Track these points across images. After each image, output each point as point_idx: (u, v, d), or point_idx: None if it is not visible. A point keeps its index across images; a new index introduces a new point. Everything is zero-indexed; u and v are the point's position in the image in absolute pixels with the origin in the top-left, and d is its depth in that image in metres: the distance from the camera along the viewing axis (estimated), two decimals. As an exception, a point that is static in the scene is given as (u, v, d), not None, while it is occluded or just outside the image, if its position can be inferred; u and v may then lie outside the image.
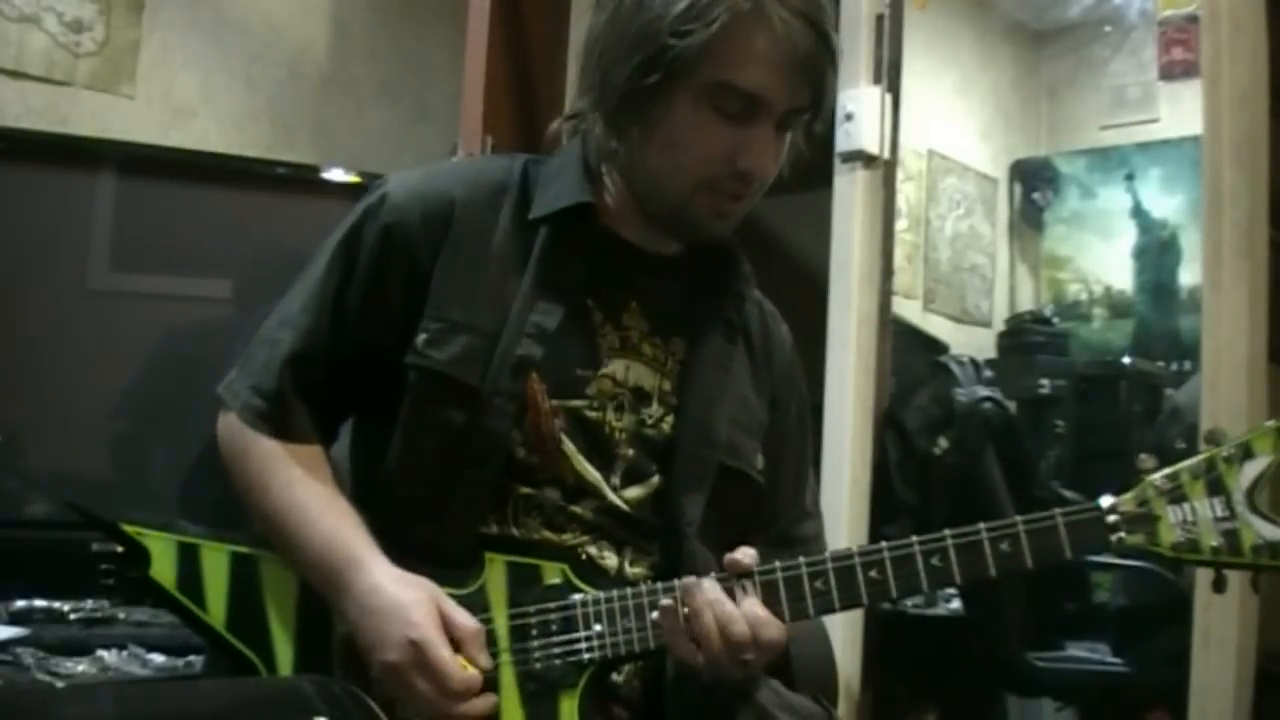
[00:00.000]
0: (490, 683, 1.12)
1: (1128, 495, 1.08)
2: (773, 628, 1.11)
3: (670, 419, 1.25)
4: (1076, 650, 2.76)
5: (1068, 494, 2.78)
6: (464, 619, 1.12)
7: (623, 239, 1.28)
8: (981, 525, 1.09)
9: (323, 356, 1.24)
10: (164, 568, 1.19)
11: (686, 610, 1.11)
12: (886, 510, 2.32)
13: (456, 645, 1.10)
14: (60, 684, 1.76)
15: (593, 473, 1.21)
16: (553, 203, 1.25)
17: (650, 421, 1.24)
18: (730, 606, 1.10)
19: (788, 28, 1.13)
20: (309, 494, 1.21)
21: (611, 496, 1.22)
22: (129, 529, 1.19)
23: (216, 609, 1.19)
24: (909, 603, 2.79)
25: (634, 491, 1.24)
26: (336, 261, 1.26)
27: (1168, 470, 1.08)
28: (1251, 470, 1.06)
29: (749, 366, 1.33)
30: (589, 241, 1.25)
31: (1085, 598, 2.91)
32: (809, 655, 1.56)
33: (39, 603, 2.02)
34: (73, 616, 2.01)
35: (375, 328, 1.23)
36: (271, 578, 1.21)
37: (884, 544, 1.11)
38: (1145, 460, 1.10)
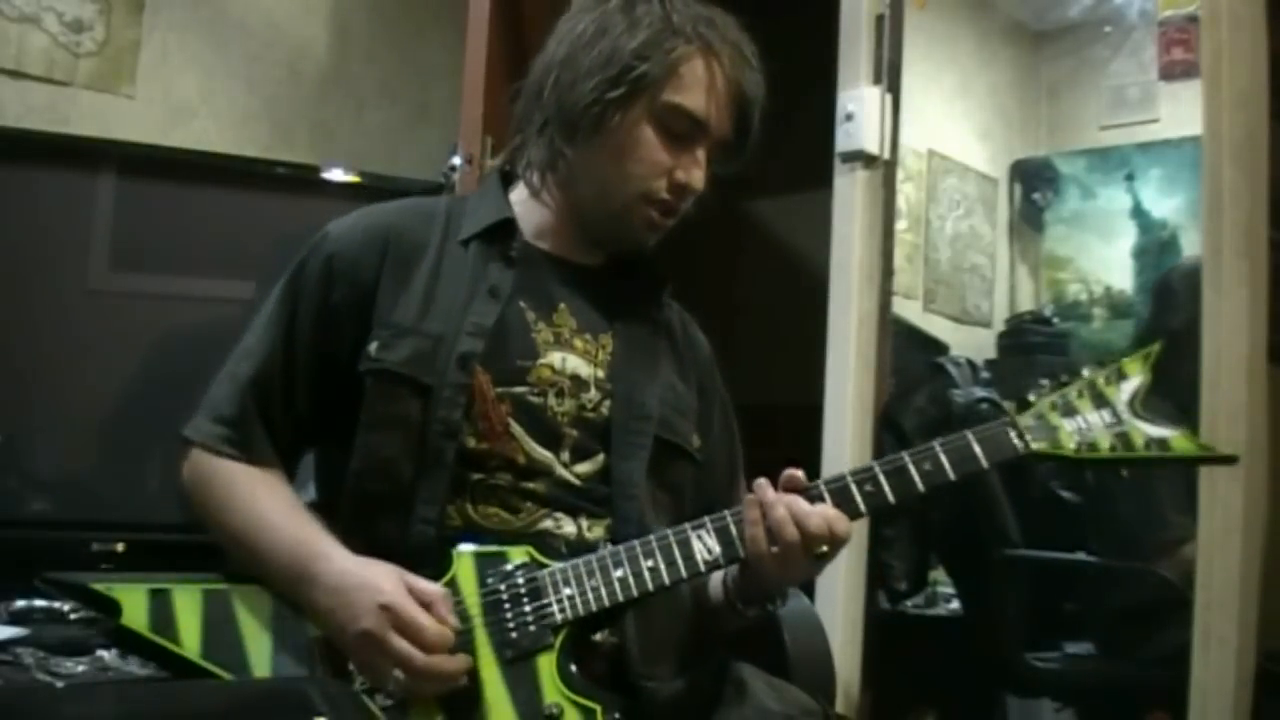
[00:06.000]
0: (465, 649, 1.18)
1: (1025, 413, 1.25)
2: (844, 522, 1.22)
3: (607, 403, 1.34)
4: (1076, 650, 2.76)
5: (1065, 494, 2.79)
6: (429, 585, 1.19)
7: (545, 252, 1.39)
8: (904, 453, 1.24)
9: (281, 380, 1.32)
10: (136, 614, 1.22)
11: (763, 508, 1.21)
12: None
13: (425, 608, 1.16)
14: (60, 684, 1.76)
15: (542, 452, 1.29)
16: (479, 222, 1.37)
17: (590, 406, 1.33)
18: (805, 504, 1.22)
19: (736, 69, 1.34)
20: (271, 504, 1.28)
21: (562, 472, 1.30)
22: (98, 587, 1.23)
23: (191, 641, 1.21)
24: (909, 602, 2.79)
25: (584, 467, 1.32)
26: (286, 295, 1.35)
27: (1055, 393, 1.26)
28: (1128, 388, 1.25)
29: (673, 358, 1.44)
30: (514, 253, 1.36)
31: (1084, 598, 2.91)
32: (805, 651, 1.56)
33: (39, 603, 2.02)
34: (73, 616, 2.00)
35: (328, 345, 1.32)
36: (244, 604, 1.24)
37: (820, 481, 1.25)
38: (1035, 393, 1.26)
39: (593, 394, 1.33)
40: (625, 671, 1.25)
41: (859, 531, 2.27)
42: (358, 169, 2.57)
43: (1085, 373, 1.26)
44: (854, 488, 1.24)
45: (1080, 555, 2.68)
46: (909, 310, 3.70)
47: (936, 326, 3.81)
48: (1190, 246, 3.87)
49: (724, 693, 1.31)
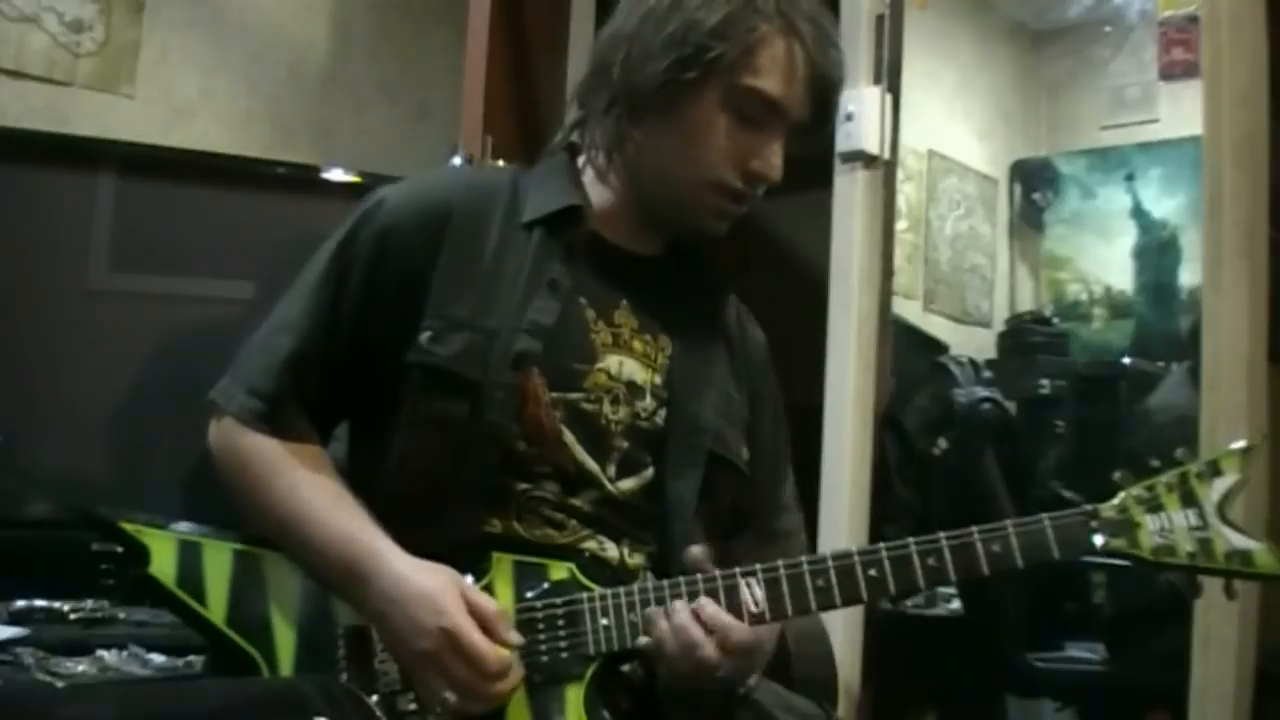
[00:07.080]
0: None
1: (1109, 504, 1.16)
2: (737, 630, 1.14)
3: (662, 412, 1.29)
4: (1076, 651, 2.76)
5: (1067, 494, 2.79)
6: (487, 602, 1.15)
7: (609, 241, 1.32)
8: (974, 529, 1.15)
9: (320, 359, 1.26)
10: (164, 565, 1.19)
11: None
12: (886, 510, 2.32)
13: (483, 627, 1.12)
14: (60, 684, 1.75)
15: (591, 463, 1.24)
16: (544, 206, 1.29)
17: (644, 415, 1.28)
18: (695, 632, 1.13)
19: (817, 48, 1.25)
20: (315, 493, 1.22)
21: (609, 487, 1.25)
22: (128, 527, 1.20)
23: (217, 605, 1.19)
24: (909, 602, 2.79)
25: (629, 483, 1.27)
26: (333, 266, 1.27)
27: (1145, 483, 1.17)
28: (1221, 486, 1.15)
29: (728, 362, 1.38)
30: (579, 243, 1.29)
31: (1085, 598, 2.91)
32: (809, 655, 1.57)
33: (39, 603, 2.01)
34: (73, 616, 2.00)
35: (373, 329, 1.25)
36: (274, 574, 1.21)
37: (882, 545, 1.17)
38: (1121, 477, 1.18)
39: (648, 402, 1.28)
40: (651, 700, 1.22)
41: (859, 531, 2.27)
42: (358, 169, 2.56)
43: (1179, 455, 1.17)
44: (916, 559, 1.15)
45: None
46: (909, 310, 3.70)
47: (936, 326, 3.80)
48: (1190, 246, 3.88)
49: (739, 715, 1.29)
